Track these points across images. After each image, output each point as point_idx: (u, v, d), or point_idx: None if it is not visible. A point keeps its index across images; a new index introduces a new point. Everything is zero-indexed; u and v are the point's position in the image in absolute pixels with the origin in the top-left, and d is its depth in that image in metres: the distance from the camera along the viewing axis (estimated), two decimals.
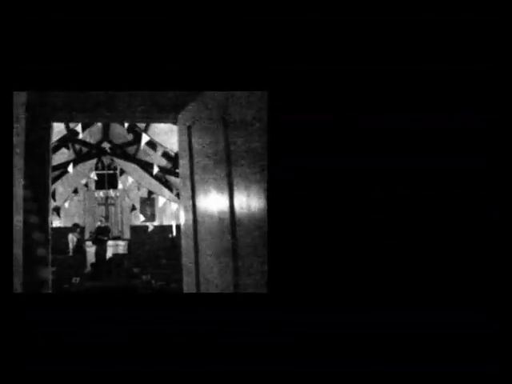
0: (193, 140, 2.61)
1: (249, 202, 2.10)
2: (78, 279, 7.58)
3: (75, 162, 10.05)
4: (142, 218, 12.75)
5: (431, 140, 1.98)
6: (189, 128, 2.64)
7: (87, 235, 11.94)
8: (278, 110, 1.96)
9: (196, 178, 2.64)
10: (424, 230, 1.97)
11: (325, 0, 1.98)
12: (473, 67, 1.99)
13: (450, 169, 1.97)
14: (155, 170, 9.57)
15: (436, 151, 1.97)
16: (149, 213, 13.24)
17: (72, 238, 11.50)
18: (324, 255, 1.94)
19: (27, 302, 1.98)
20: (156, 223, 13.02)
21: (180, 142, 2.88)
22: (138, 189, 12.31)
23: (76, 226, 11.94)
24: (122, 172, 11.99)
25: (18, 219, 2.35)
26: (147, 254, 11.32)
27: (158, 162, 9.92)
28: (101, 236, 9.85)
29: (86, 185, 12.28)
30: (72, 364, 1.90)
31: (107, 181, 12.94)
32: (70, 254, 11.22)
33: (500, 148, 1.97)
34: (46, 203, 2.95)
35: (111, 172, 12.81)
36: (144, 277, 8.05)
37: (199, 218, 2.56)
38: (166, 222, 12.88)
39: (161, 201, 11.33)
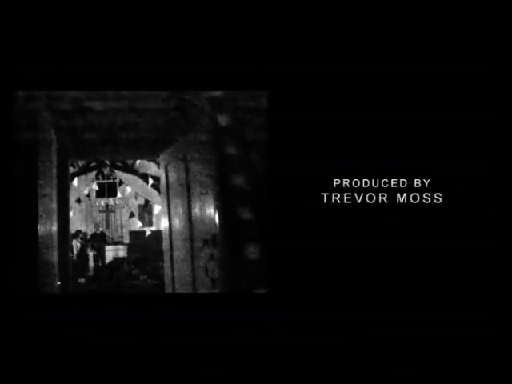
0: (168, 172, 3.66)
1: (201, 212, 3.07)
2: (83, 280, 8.63)
3: (78, 175, 11.02)
4: (140, 223, 13.67)
5: (431, 140, 1.96)
6: (166, 165, 3.69)
7: None
8: (278, 110, 1.95)
9: (170, 193, 3.70)
10: (424, 230, 1.96)
11: (324, 0, 1.98)
12: (473, 67, 1.96)
13: (450, 168, 1.96)
14: (150, 180, 10.59)
15: (436, 151, 1.96)
16: (146, 219, 14.12)
17: (76, 244, 12.37)
18: (324, 256, 1.95)
19: (27, 303, 1.96)
20: (153, 228, 13.90)
21: (160, 169, 3.96)
22: (136, 197, 13.23)
23: (79, 232, 12.85)
24: (121, 182, 12.96)
25: (54, 229, 3.26)
26: (145, 256, 12.16)
27: (153, 172, 10.90)
28: (97, 242, 10.73)
29: (88, 194, 13.22)
30: (72, 364, 1.89)
31: (107, 190, 13.90)
32: (74, 258, 12.11)
33: (500, 148, 1.93)
34: (67, 218, 4.02)
35: (111, 181, 13.77)
36: (142, 277, 9.11)
37: (172, 222, 3.60)
38: (162, 228, 13.70)
39: (156, 208, 12.28)
